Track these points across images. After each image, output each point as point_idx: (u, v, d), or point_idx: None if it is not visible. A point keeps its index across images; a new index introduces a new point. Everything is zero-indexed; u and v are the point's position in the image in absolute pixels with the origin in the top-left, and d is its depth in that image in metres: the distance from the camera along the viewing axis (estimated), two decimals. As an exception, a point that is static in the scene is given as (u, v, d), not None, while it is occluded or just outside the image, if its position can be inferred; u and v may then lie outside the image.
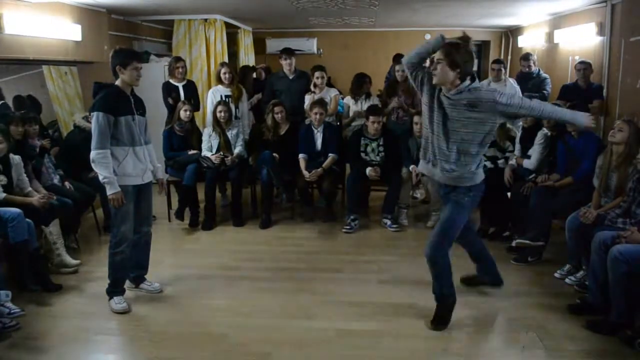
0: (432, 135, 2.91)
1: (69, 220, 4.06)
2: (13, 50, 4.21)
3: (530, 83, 5.49)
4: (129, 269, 3.42)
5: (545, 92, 5.40)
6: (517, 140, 4.52)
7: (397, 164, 4.89)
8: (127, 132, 3.14)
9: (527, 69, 5.58)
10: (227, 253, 4.31)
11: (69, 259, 3.90)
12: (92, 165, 3.09)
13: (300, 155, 5.01)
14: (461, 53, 2.73)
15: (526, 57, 5.65)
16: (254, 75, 6.55)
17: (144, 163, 3.28)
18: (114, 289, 3.31)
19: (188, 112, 5.02)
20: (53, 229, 3.82)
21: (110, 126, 3.06)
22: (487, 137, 2.84)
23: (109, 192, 3.10)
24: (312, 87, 5.33)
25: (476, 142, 2.81)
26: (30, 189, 3.77)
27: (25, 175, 3.77)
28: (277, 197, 5.63)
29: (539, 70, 5.64)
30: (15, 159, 3.72)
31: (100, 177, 3.09)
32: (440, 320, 3.07)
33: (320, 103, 5.03)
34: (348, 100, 5.45)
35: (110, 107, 3.06)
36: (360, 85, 5.32)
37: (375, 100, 5.33)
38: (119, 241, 3.24)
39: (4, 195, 3.53)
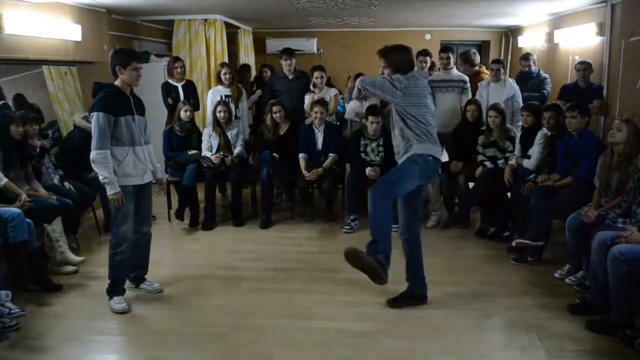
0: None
1: (69, 220, 4.06)
2: (13, 50, 4.21)
3: (530, 83, 5.48)
4: (129, 268, 3.42)
5: (545, 91, 5.39)
6: (517, 140, 4.52)
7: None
8: (127, 132, 3.15)
9: (527, 69, 5.58)
10: (227, 253, 4.32)
11: (72, 256, 3.93)
12: (92, 165, 3.09)
13: (301, 155, 5.01)
14: (399, 54, 3.12)
15: (526, 56, 5.65)
16: (253, 74, 6.55)
17: (144, 163, 3.28)
18: (114, 289, 3.31)
19: (188, 112, 5.02)
20: (55, 227, 3.82)
21: (110, 126, 3.06)
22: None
23: (109, 192, 3.10)
24: (311, 87, 5.33)
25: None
26: (6, 180, 3.64)
27: None
28: (277, 197, 5.63)
29: (539, 70, 5.63)
30: None
31: (101, 178, 3.09)
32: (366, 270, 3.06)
33: (321, 103, 5.03)
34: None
35: (110, 107, 3.06)
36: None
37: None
38: (119, 241, 3.24)
39: None
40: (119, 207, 3.15)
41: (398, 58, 3.12)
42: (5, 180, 3.66)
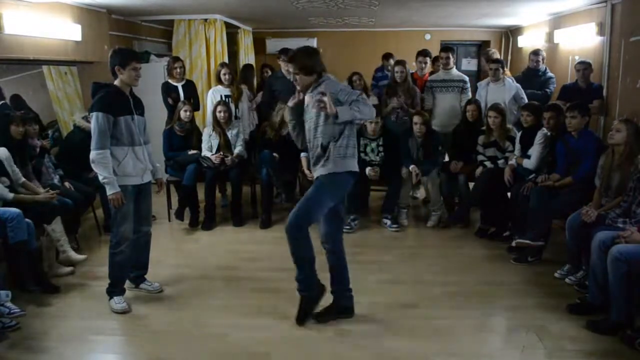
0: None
1: (69, 220, 4.06)
2: (13, 50, 4.21)
3: (535, 81, 5.45)
4: (129, 268, 3.42)
5: (547, 90, 5.35)
6: (517, 140, 4.51)
7: (397, 164, 4.89)
8: (127, 132, 3.15)
9: (534, 64, 5.53)
10: (227, 253, 4.32)
11: (75, 255, 3.94)
12: (92, 165, 3.09)
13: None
14: (309, 57, 2.97)
15: (536, 52, 5.59)
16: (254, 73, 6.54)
17: (144, 163, 3.28)
18: (114, 289, 3.32)
19: (188, 112, 5.02)
20: (55, 227, 3.81)
21: (109, 126, 3.07)
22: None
23: (109, 192, 3.10)
24: None
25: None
26: (23, 179, 3.79)
27: (16, 166, 3.77)
28: (277, 197, 5.63)
29: (546, 68, 5.58)
30: (1, 152, 3.70)
31: (100, 178, 3.09)
32: (303, 315, 3.05)
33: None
34: None
35: (110, 107, 3.06)
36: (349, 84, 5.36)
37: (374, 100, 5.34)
38: (118, 241, 3.24)
39: (12, 195, 3.55)
40: (118, 207, 3.16)
41: (308, 61, 2.96)
42: (22, 179, 3.75)
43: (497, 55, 6.09)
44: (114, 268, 3.30)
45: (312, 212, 2.93)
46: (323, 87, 2.90)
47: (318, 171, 3.02)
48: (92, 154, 3.06)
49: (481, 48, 9.07)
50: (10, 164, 3.73)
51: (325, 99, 2.72)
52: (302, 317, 3.06)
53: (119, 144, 3.14)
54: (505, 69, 5.95)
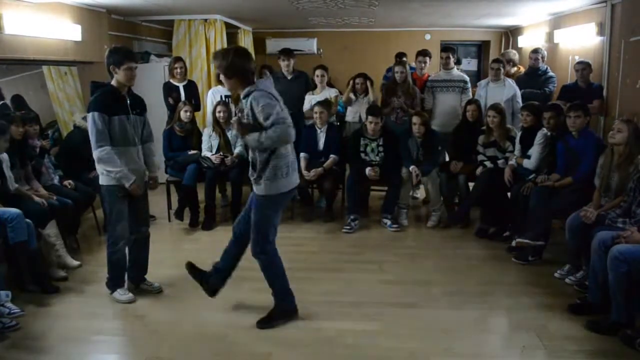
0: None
1: (69, 220, 4.05)
2: (13, 50, 4.21)
3: (536, 80, 5.45)
4: (127, 268, 3.43)
5: (546, 89, 5.35)
6: (517, 140, 4.51)
7: (397, 164, 4.89)
8: (120, 133, 3.15)
9: (533, 63, 5.53)
10: (227, 253, 4.31)
11: (70, 260, 3.89)
12: (98, 164, 3.11)
13: (302, 155, 5.00)
14: (241, 59, 2.84)
15: (535, 50, 5.59)
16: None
17: (138, 163, 3.29)
18: (115, 282, 3.36)
19: (188, 113, 5.02)
20: (50, 231, 3.78)
21: (105, 125, 3.07)
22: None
23: (127, 184, 3.14)
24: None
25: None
26: (16, 185, 3.72)
27: (14, 169, 3.73)
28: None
29: (547, 68, 5.58)
30: (2, 156, 3.66)
31: (112, 174, 3.11)
32: (266, 320, 3.05)
33: (322, 103, 5.03)
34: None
35: (104, 107, 3.07)
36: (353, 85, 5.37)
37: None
38: (115, 240, 3.27)
39: None
40: (139, 195, 3.19)
41: (224, 63, 2.83)
42: (16, 185, 3.70)
43: (517, 56, 6.34)
44: (112, 267, 3.32)
45: (264, 230, 2.99)
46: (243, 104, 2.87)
47: (254, 189, 3.00)
48: (96, 153, 3.08)
49: (481, 48, 9.08)
50: (7, 168, 3.66)
51: (233, 121, 2.84)
52: (265, 322, 3.05)
53: (112, 144, 3.13)
54: (518, 67, 6.10)
